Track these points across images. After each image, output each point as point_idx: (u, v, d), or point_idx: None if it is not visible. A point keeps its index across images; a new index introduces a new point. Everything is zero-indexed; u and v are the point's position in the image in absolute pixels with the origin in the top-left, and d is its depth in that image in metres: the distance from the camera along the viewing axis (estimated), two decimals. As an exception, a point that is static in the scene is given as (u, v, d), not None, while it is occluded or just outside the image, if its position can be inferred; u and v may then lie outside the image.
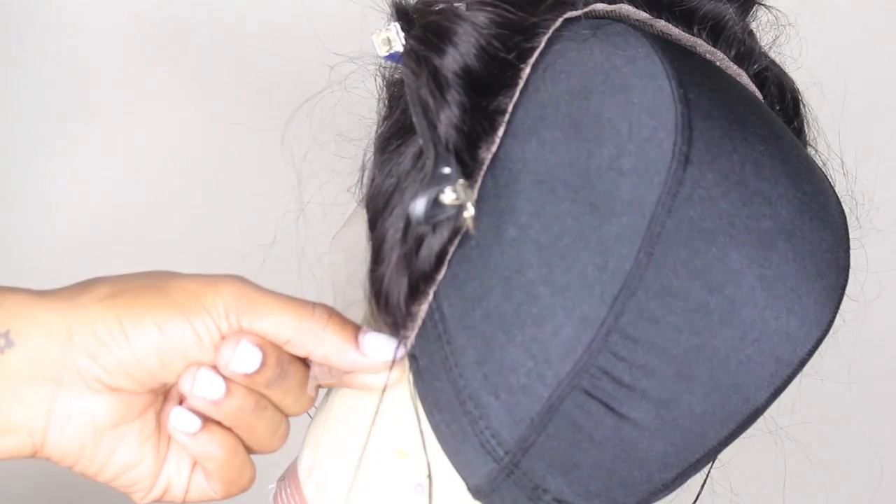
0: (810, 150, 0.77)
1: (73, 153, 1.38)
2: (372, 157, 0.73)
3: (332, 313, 0.72)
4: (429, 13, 0.70)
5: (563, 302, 0.66)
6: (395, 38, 0.71)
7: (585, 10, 0.72)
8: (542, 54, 0.70)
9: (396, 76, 0.73)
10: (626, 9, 0.72)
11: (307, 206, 0.78)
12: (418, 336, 0.70)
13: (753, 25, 0.77)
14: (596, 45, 0.70)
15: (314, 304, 0.72)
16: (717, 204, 0.67)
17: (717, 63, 0.74)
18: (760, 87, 0.76)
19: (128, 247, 1.38)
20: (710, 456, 0.70)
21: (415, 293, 0.69)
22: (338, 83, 0.74)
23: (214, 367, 0.71)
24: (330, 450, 0.74)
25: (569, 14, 0.71)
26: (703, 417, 0.68)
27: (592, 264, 0.66)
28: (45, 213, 1.39)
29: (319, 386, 0.73)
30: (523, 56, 0.70)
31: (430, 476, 0.70)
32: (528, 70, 0.70)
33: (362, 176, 0.75)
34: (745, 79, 0.75)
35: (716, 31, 0.74)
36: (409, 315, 0.69)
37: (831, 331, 0.70)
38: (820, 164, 0.75)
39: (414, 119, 0.68)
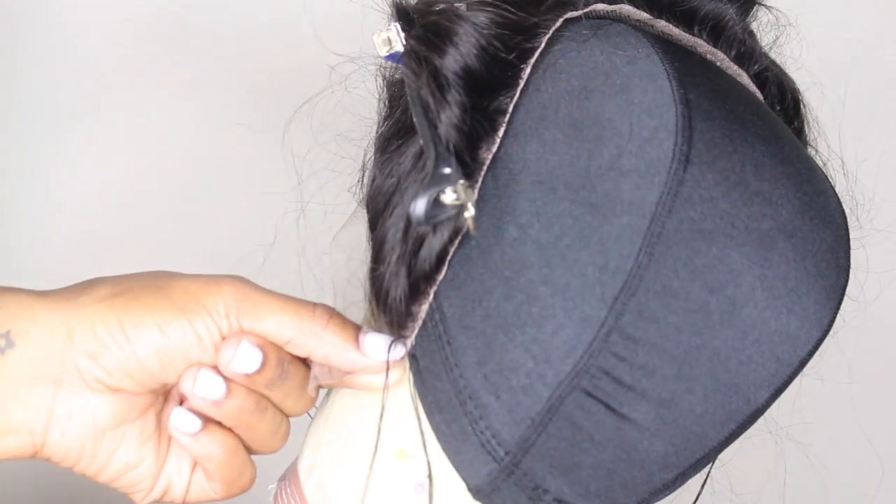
0: (811, 151, 0.77)
1: (72, 153, 1.38)
2: (372, 158, 0.73)
3: (333, 313, 0.72)
4: (429, 13, 0.70)
5: (564, 302, 0.66)
6: (396, 39, 0.71)
7: (586, 10, 0.72)
8: (542, 54, 0.70)
9: (397, 76, 0.73)
10: (627, 9, 0.72)
11: (307, 206, 0.78)
12: (419, 336, 0.70)
13: (754, 26, 0.77)
14: (596, 46, 0.70)
15: (315, 305, 0.72)
16: (718, 204, 0.67)
17: (718, 63, 0.74)
18: (761, 87, 0.76)
19: (128, 247, 1.38)
20: (711, 456, 0.70)
21: (415, 293, 0.69)
22: (338, 83, 0.74)
23: (215, 368, 0.71)
24: (330, 450, 0.74)
25: (569, 14, 0.71)
26: (704, 418, 0.68)
27: (593, 264, 0.66)
28: (46, 213, 1.39)
29: (320, 386, 0.73)
30: (524, 56, 0.70)
31: (430, 476, 0.70)
32: (528, 70, 0.70)
33: (363, 176, 0.75)
34: (745, 79, 0.75)
35: (716, 32, 0.74)
36: (410, 315, 0.69)
37: (831, 331, 0.70)
38: (820, 164, 0.75)
39: (414, 119, 0.68)
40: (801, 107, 0.78)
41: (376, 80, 0.74)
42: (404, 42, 0.70)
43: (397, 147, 0.71)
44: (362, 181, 0.75)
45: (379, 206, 0.71)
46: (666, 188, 0.67)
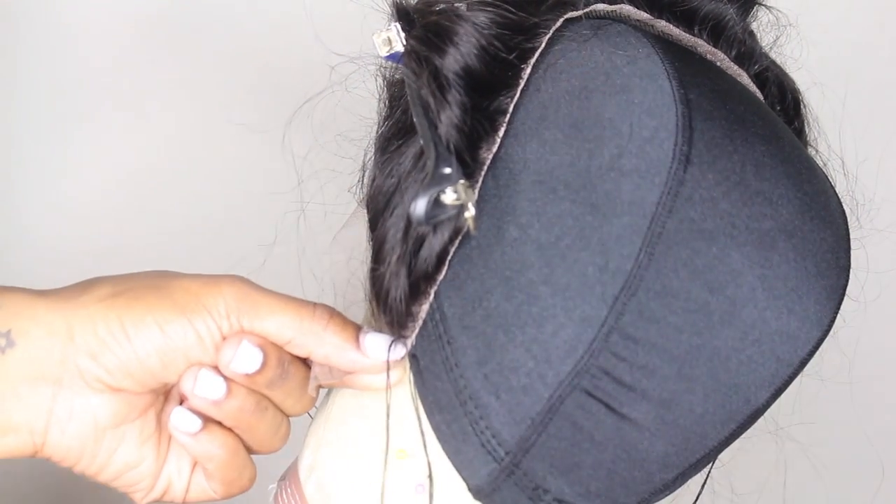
0: (811, 151, 0.77)
1: (72, 153, 1.38)
2: (372, 158, 0.73)
3: (333, 313, 0.72)
4: (429, 13, 0.70)
5: (564, 302, 0.66)
6: (396, 39, 0.71)
7: (586, 10, 0.72)
8: (542, 54, 0.70)
9: (397, 76, 0.73)
10: (627, 9, 0.72)
11: (308, 206, 0.78)
12: (419, 336, 0.70)
13: (754, 26, 0.77)
14: (597, 46, 0.70)
15: (315, 305, 0.72)
16: (718, 204, 0.67)
17: (718, 63, 0.74)
18: (761, 87, 0.76)
19: (128, 246, 1.38)
20: (711, 456, 0.70)
21: (415, 293, 0.69)
22: (338, 83, 0.74)
23: (215, 368, 0.71)
24: (331, 450, 0.74)
25: (570, 14, 0.71)
26: (704, 418, 0.68)
27: (593, 264, 0.66)
28: (46, 212, 1.39)
29: (320, 386, 0.73)
30: (524, 56, 0.70)
31: (430, 476, 0.70)
32: (528, 70, 0.70)
33: (363, 176, 0.75)
34: (745, 79, 0.75)
35: (716, 32, 0.74)
36: (410, 315, 0.70)
37: (832, 331, 0.70)
38: (820, 164, 0.76)
39: (415, 119, 0.68)
40: (802, 107, 0.78)
41: (376, 80, 0.74)
42: (404, 42, 0.70)
43: (397, 147, 0.71)
44: (362, 181, 0.75)
45: (379, 206, 0.71)
46: (666, 188, 0.67)
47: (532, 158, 0.68)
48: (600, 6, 0.72)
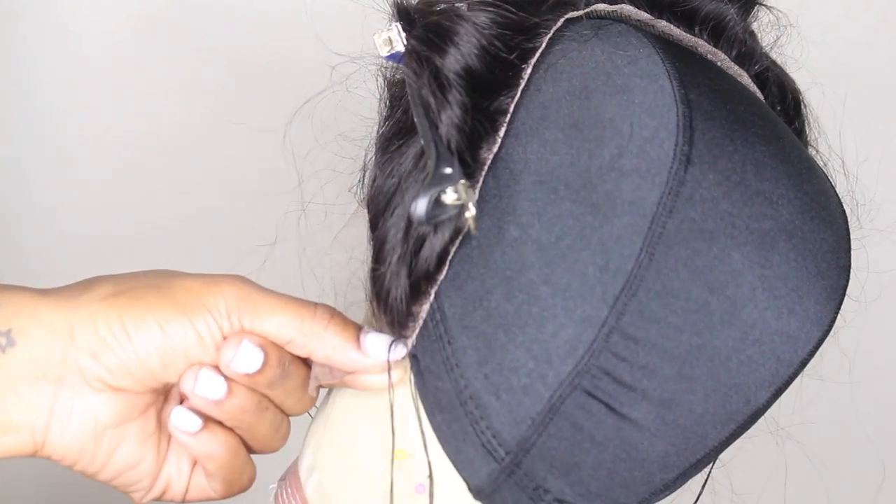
0: (811, 151, 0.77)
1: (72, 153, 1.38)
2: (373, 158, 0.73)
3: (334, 313, 0.72)
4: (430, 13, 0.70)
5: (565, 302, 0.66)
6: (397, 39, 0.71)
7: (587, 10, 0.72)
8: (543, 54, 0.70)
9: (398, 76, 0.73)
10: (628, 9, 0.72)
11: (308, 206, 0.78)
12: (419, 336, 0.70)
13: (754, 26, 0.77)
14: (597, 46, 0.70)
15: (316, 305, 0.72)
16: (719, 204, 0.67)
17: (719, 63, 0.74)
18: (761, 87, 0.76)
19: (128, 246, 1.38)
20: (711, 456, 0.70)
21: (416, 293, 0.69)
22: (339, 83, 0.74)
23: (216, 367, 0.71)
24: (331, 450, 0.74)
25: (570, 14, 0.71)
26: (704, 418, 0.68)
27: (593, 264, 0.66)
28: (46, 212, 1.39)
29: (321, 386, 0.73)
30: (525, 56, 0.70)
31: (431, 476, 0.70)
32: (529, 70, 0.70)
33: (363, 176, 0.75)
34: (746, 79, 0.75)
35: (717, 32, 0.74)
36: (411, 315, 0.70)
37: (832, 331, 0.70)
38: (821, 164, 0.76)
39: (415, 119, 0.68)
40: (802, 107, 0.78)
41: (377, 80, 0.74)
42: (405, 42, 0.70)
43: (398, 147, 0.71)
44: (363, 181, 0.75)
45: (380, 206, 0.71)
46: (667, 188, 0.67)
47: (533, 158, 0.68)
48: (601, 6, 0.72)
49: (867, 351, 1.06)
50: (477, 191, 0.68)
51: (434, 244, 0.68)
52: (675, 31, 0.73)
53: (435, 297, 0.69)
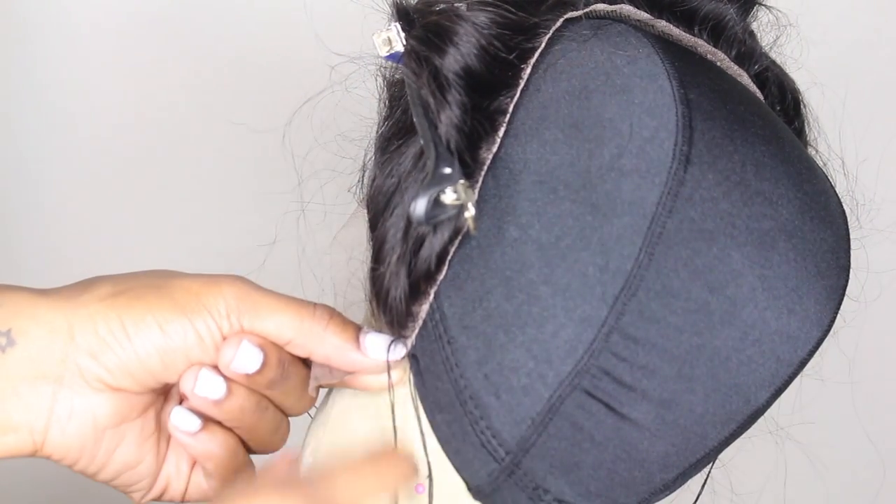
0: (811, 151, 0.77)
1: (72, 152, 1.38)
2: (373, 158, 0.73)
3: (333, 314, 0.72)
4: (429, 13, 0.70)
5: (564, 302, 0.66)
6: (396, 39, 0.71)
7: (586, 10, 0.72)
8: (542, 54, 0.70)
9: (397, 76, 0.73)
10: (627, 9, 0.72)
11: (308, 206, 0.78)
12: (419, 336, 0.70)
13: (754, 26, 0.77)
14: (597, 46, 0.70)
15: (315, 305, 0.72)
16: (718, 204, 0.67)
17: (718, 63, 0.74)
18: (761, 87, 0.76)
19: (128, 246, 1.38)
20: (711, 456, 0.70)
21: (415, 293, 0.69)
22: (338, 83, 0.74)
23: (215, 368, 0.71)
24: (331, 450, 0.74)
25: (570, 14, 0.71)
26: (704, 418, 0.68)
27: (593, 264, 0.66)
28: (46, 212, 1.39)
29: (320, 386, 0.73)
30: (524, 56, 0.70)
31: (430, 476, 0.70)
32: (528, 70, 0.70)
33: (363, 176, 0.75)
34: (745, 79, 0.75)
35: (716, 32, 0.74)
36: (410, 315, 0.69)
37: (832, 331, 0.70)
38: (820, 164, 0.75)
39: (415, 119, 0.68)
40: (802, 107, 0.78)
41: (376, 80, 0.74)
42: (404, 42, 0.70)
43: (397, 147, 0.71)
44: (362, 181, 0.75)
45: (379, 206, 0.71)
46: (666, 188, 0.67)
47: (532, 158, 0.68)
48: (600, 6, 0.72)
49: (867, 351, 1.06)
50: (476, 191, 0.68)
51: (433, 244, 0.68)
52: (675, 31, 0.73)
53: (434, 297, 0.69)
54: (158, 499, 0.75)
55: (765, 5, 0.77)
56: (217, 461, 0.73)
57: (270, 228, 0.82)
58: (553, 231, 0.67)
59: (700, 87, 0.69)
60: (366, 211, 0.72)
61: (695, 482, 0.73)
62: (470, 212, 0.66)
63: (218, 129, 1.33)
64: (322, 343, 0.71)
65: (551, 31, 0.70)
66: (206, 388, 0.71)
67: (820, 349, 0.69)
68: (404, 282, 0.69)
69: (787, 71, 0.78)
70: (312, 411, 0.75)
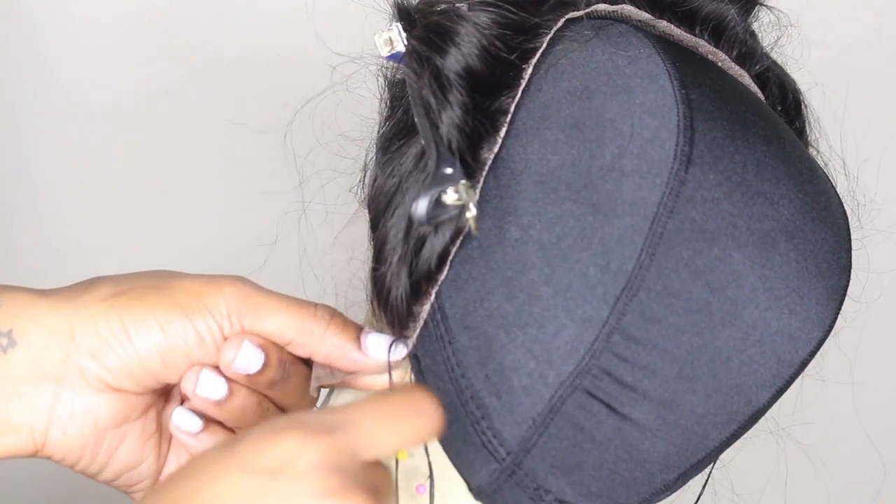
0: (812, 151, 0.77)
1: (72, 153, 1.38)
2: (374, 158, 0.73)
3: (334, 314, 0.72)
4: (431, 13, 0.70)
5: (565, 302, 0.66)
6: (397, 39, 0.71)
7: (587, 10, 0.72)
8: (544, 55, 0.70)
9: (398, 76, 0.73)
10: (628, 9, 0.72)
11: (309, 206, 0.78)
12: (420, 336, 0.70)
13: (755, 26, 0.77)
14: (598, 46, 0.70)
15: (316, 305, 0.72)
16: (719, 204, 0.67)
17: (719, 64, 0.74)
18: (762, 87, 0.76)
19: (128, 246, 1.38)
20: (712, 456, 0.70)
21: (416, 293, 0.69)
22: (340, 83, 0.74)
23: (216, 368, 0.71)
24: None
25: (571, 14, 0.71)
26: (705, 418, 0.68)
27: (594, 265, 0.66)
28: (45, 212, 1.39)
29: (321, 386, 0.73)
30: (525, 56, 0.70)
31: (431, 476, 0.70)
32: (530, 70, 0.70)
33: (364, 176, 0.75)
34: (746, 79, 0.75)
35: (717, 32, 0.74)
36: (411, 315, 0.69)
37: (833, 331, 0.70)
38: (822, 164, 0.76)
39: (416, 119, 0.68)
40: (803, 107, 0.78)
41: (378, 81, 0.74)
42: (406, 42, 0.70)
43: (399, 147, 0.71)
44: (364, 181, 0.75)
45: (380, 207, 0.71)
46: (667, 188, 0.67)
47: (533, 159, 0.68)
48: (602, 6, 0.72)
49: (868, 351, 1.06)
50: (478, 191, 0.68)
51: (435, 244, 0.68)
52: (676, 32, 0.73)
53: (436, 298, 0.69)
54: (159, 499, 0.75)
55: (766, 6, 0.77)
56: (218, 461, 0.73)
57: (271, 228, 0.82)
58: (554, 231, 0.67)
59: (701, 88, 0.69)
60: (367, 211, 0.72)
61: (696, 482, 0.73)
62: (471, 212, 0.66)
63: (219, 129, 1.33)
64: (323, 343, 0.71)
65: (552, 32, 0.70)
66: (207, 389, 0.71)
67: (821, 349, 0.69)
68: (405, 282, 0.69)
69: (788, 71, 0.78)
70: (313, 412, 0.75)
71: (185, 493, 0.60)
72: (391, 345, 0.70)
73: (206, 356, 0.71)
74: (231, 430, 0.73)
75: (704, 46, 0.74)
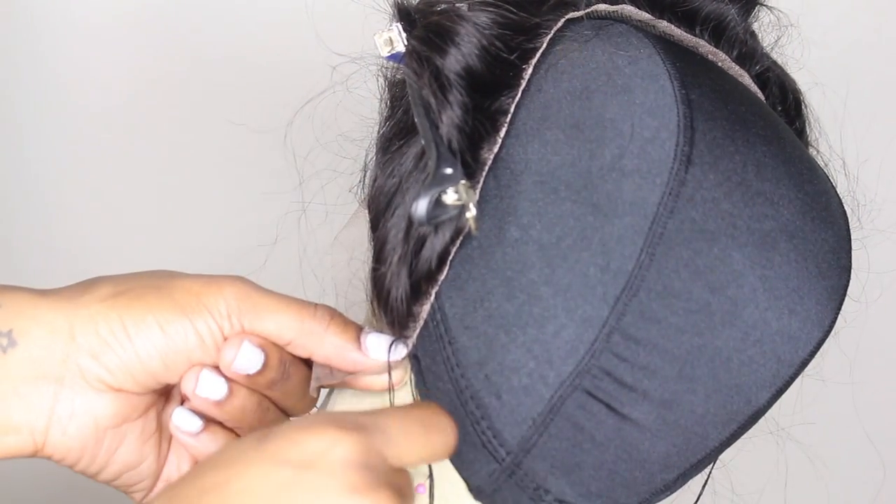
0: (812, 151, 0.77)
1: (72, 153, 1.38)
2: (374, 158, 0.73)
3: (334, 314, 0.72)
4: (431, 13, 0.70)
5: (565, 302, 0.66)
6: (397, 39, 0.71)
7: (587, 10, 0.72)
8: (544, 55, 0.70)
9: (398, 77, 0.73)
10: (629, 9, 0.72)
11: (309, 206, 0.78)
12: (420, 336, 0.70)
13: (755, 26, 0.77)
14: (598, 46, 0.70)
15: (316, 305, 0.72)
16: (720, 204, 0.67)
17: (719, 64, 0.74)
18: (762, 87, 0.76)
19: (128, 246, 1.38)
20: (712, 456, 0.70)
21: (416, 293, 0.69)
22: (340, 83, 0.74)
23: (216, 368, 0.71)
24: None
25: (571, 14, 0.71)
26: (705, 418, 0.68)
27: (594, 265, 0.66)
28: (45, 212, 1.39)
29: (321, 387, 0.73)
30: (525, 56, 0.70)
31: (431, 476, 0.70)
32: (530, 70, 0.70)
33: (364, 176, 0.75)
34: (746, 79, 0.75)
35: (718, 32, 0.74)
36: (411, 315, 0.69)
37: (833, 331, 0.70)
38: (822, 164, 0.76)
39: (416, 119, 0.68)
40: (803, 107, 0.78)
41: (378, 81, 0.74)
42: (406, 42, 0.70)
43: (399, 147, 0.71)
44: (364, 181, 0.75)
45: (380, 207, 0.71)
46: (667, 188, 0.67)
47: (533, 159, 0.68)
48: (602, 6, 0.72)
49: (868, 351, 1.06)
50: (478, 191, 0.68)
51: (435, 244, 0.68)
52: (676, 32, 0.73)
53: (435, 298, 0.69)
54: (159, 499, 0.75)
55: (766, 6, 0.77)
56: (218, 461, 0.73)
57: (271, 228, 0.82)
58: (554, 231, 0.67)
59: (701, 88, 0.69)
60: (367, 211, 0.72)
61: (696, 482, 0.73)
62: (471, 212, 0.66)
63: (218, 129, 1.33)
64: (323, 343, 0.71)
65: (553, 32, 0.70)
66: (207, 389, 0.71)
67: (821, 349, 0.69)
68: (405, 282, 0.69)
69: (789, 71, 0.78)
70: (314, 412, 0.75)
71: (212, 483, 0.61)
72: (391, 345, 0.70)
73: (206, 356, 0.71)
74: (231, 430, 0.73)
75: (704, 46, 0.74)
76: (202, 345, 0.70)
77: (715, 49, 0.74)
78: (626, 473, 0.68)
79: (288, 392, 0.73)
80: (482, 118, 0.69)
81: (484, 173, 0.69)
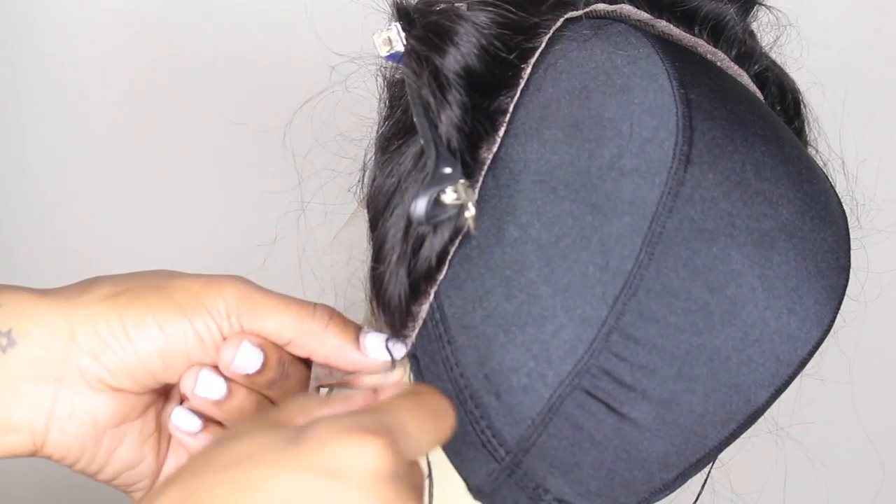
0: (811, 151, 0.78)
1: (72, 152, 1.38)
2: (373, 157, 0.73)
3: (333, 314, 0.72)
4: (430, 13, 0.70)
5: (564, 302, 0.66)
6: (396, 38, 0.71)
7: (586, 10, 0.72)
8: (543, 54, 0.70)
9: (397, 76, 0.73)
10: (627, 9, 0.72)
11: (308, 205, 0.78)
12: (419, 336, 0.70)
13: (754, 26, 0.77)
14: (597, 46, 0.70)
15: (315, 305, 0.72)
16: (718, 204, 0.67)
17: (718, 63, 0.74)
18: (761, 87, 0.76)
19: (128, 246, 1.38)
20: (711, 456, 0.70)
21: (415, 293, 0.69)
22: (339, 83, 0.74)
23: (216, 368, 0.71)
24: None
25: (570, 14, 0.71)
26: (704, 417, 0.68)
27: (593, 264, 0.66)
28: (45, 212, 1.39)
29: (321, 386, 0.73)
30: (524, 56, 0.70)
31: (430, 476, 0.70)
32: (529, 70, 0.70)
33: (363, 176, 0.75)
34: (745, 79, 0.75)
35: (717, 32, 0.74)
36: (410, 315, 0.70)
37: (832, 331, 0.70)
38: (821, 164, 0.76)
39: (415, 119, 0.68)
40: (802, 107, 0.78)
41: (377, 80, 0.74)
42: (405, 42, 0.70)
43: (398, 147, 0.71)
44: (363, 181, 0.75)
45: (379, 206, 0.71)
46: (666, 188, 0.67)
47: (532, 158, 0.68)
48: (600, 6, 0.72)
49: (867, 351, 1.06)
50: (476, 190, 0.68)
51: (434, 244, 0.68)
52: (675, 31, 0.73)
53: (434, 297, 0.69)
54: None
55: (765, 5, 0.77)
56: (217, 461, 0.73)
57: (270, 228, 0.82)
58: (553, 231, 0.67)
59: (700, 87, 0.69)
60: (366, 211, 0.72)
61: (695, 482, 0.73)
62: (470, 211, 0.66)
63: (218, 129, 1.33)
64: (322, 343, 0.71)
65: (551, 31, 0.70)
66: (206, 389, 0.71)
67: (820, 349, 0.69)
68: (404, 281, 0.69)
69: (787, 71, 0.78)
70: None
71: (244, 485, 0.59)
72: (390, 344, 0.70)
73: (206, 356, 0.71)
74: (230, 429, 0.73)
75: (703, 46, 0.74)
76: (201, 344, 0.70)
77: (714, 48, 0.74)
78: (625, 473, 0.68)
79: (287, 392, 0.73)
80: (481, 118, 0.69)
81: (483, 173, 0.69)
